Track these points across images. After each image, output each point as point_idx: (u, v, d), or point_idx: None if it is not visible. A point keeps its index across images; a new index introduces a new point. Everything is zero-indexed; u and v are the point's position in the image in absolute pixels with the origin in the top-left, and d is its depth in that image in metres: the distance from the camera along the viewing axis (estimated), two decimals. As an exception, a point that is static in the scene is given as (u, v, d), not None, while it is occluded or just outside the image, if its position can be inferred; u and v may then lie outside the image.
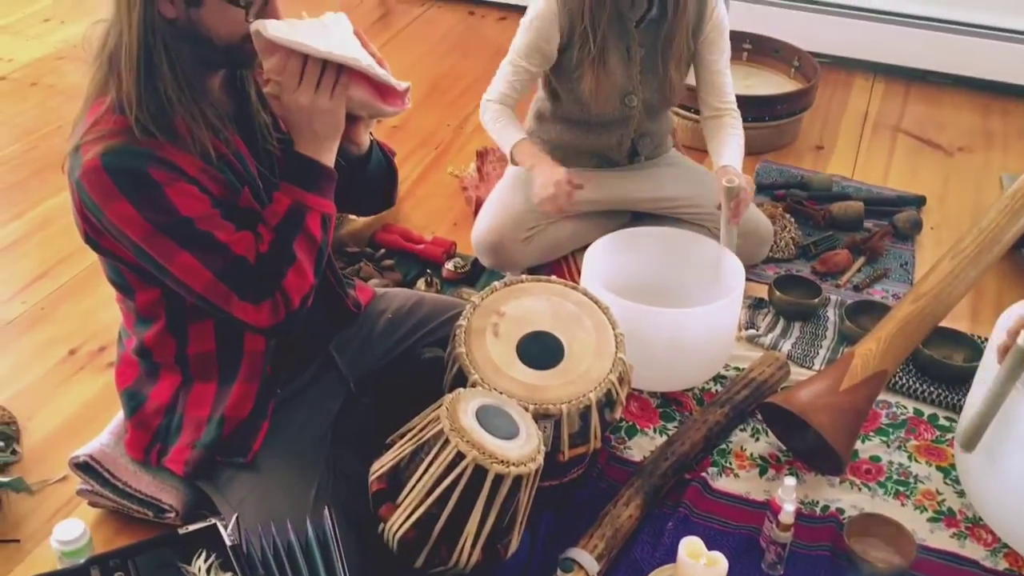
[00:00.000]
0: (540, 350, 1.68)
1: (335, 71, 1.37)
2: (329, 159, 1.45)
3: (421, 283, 2.26)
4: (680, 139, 2.75)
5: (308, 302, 1.47)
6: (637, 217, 2.35)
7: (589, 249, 2.02)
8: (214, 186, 1.42)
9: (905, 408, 1.98)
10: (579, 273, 2.22)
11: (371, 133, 1.60)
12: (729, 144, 2.16)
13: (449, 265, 2.33)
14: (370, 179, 1.62)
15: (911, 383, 2.01)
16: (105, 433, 1.69)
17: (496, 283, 1.78)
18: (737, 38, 3.12)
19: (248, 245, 1.42)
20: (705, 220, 2.26)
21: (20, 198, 2.60)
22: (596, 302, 1.76)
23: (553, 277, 1.81)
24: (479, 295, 1.74)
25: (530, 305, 1.74)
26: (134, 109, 1.35)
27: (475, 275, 2.32)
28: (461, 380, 1.64)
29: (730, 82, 2.22)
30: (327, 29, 1.38)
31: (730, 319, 1.97)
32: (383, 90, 1.43)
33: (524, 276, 1.81)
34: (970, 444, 1.63)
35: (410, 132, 3.00)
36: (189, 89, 1.37)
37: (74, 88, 2.91)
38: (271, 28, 1.31)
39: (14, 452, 1.78)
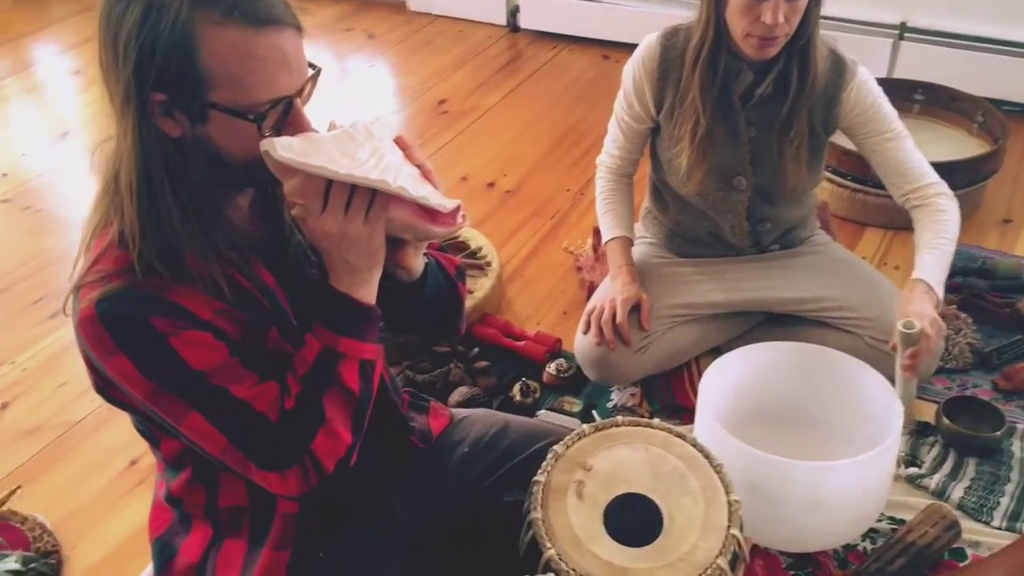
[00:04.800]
0: (633, 519, 1.36)
1: (368, 192, 1.11)
2: (367, 294, 1.19)
3: (517, 390, 1.98)
4: (832, 213, 2.36)
5: (349, 462, 1.22)
6: (772, 317, 1.98)
7: (706, 375, 1.68)
8: (234, 328, 1.18)
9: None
10: (702, 383, 1.89)
11: (427, 254, 1.33)
12: (925, 246, 1.75)
13: (551, 367, 2.04)
14: (426, 307, 1.35)
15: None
16: (134, 587, 1.50)
17: (585, 427, 1.47)
18: (906, 88, 2.70)
19: (271, 400, 1.18)
20: (856, 327, 1.87)
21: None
22: (707, 457, 1.43)
23: (655, 421, 1.48)
24: (562, 444, 1.45)
25: (624, 458, 1.43)
26: (137, 243, 1.13)
27: (580, 380, 2.02)
28: (535, 550, 1.35)
29: (911, 153, 1.81)
30: (355, 141, 1.12)
31: (885, 470, 1.58)
32: (430, 209, 1.16)
33: (619, 418, 1.50)
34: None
35: (524, 198, 2.73)
36: (198, 218, 1.14)
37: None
38: (280, 148, 1.06)
39: (52, 590, 1.62)
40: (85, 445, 1.96)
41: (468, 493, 1.53)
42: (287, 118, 1.12)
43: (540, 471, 1.42)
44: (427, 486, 1.52)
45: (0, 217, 2.78)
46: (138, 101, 1.07)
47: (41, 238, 2.66)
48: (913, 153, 1.80)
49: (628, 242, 1.95)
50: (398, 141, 1.18)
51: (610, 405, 1.99)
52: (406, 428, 1.49)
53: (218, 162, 1.13)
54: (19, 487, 1.75)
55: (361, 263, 1.16)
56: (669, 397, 1.98)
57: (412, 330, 1.47)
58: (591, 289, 2.23)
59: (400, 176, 1.11)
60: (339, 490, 1.28)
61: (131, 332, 1.13)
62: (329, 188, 1.10)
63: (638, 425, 1.48)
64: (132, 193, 1.12)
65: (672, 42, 1.78)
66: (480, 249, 2.37)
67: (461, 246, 2.42)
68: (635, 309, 1.88)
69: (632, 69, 1.84)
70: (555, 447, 1.45)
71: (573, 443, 1.45)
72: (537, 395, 1.99)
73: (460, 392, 1.94)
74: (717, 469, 1.41)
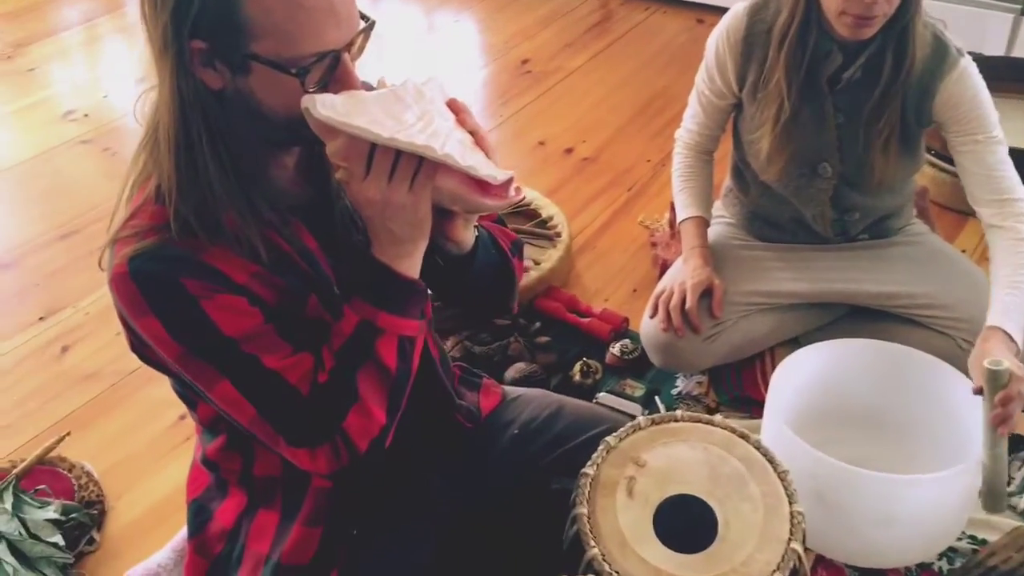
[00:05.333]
0: (685, 522, 1.27)
1: (414, 158, 1.02)
2: (410, 267, 1.11)
3: (577, 370, 1.89)
4: (932, 199, 2.19)
5: (383, 443, 1.15)
6: (857, 310, 1.84)
7: (777, 371, 1.56)
8: (270, 293, 1.12)
9: None
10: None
11: (478, 227, 1.24)
12: (1003, 283, 1.53)
13: (615, 348, 1.94)
14: (475, 283, 1.27)
15: None
16: (167, 549, 1.47)
17: (640, 419, 1.38)
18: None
19: (304, 372, 1.12)
20: (949, 328, 1.72)
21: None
22: (771, 461, 1.32)
23: (717, 418, 1.38)
24: (615, 435, 1.35)
25: (681, 456, 1.33)
26: (174, 199, 1.07)
27: (644, 363, 1.91)
28: (578, 547, 1.27)
29: (1001, 163, 1.60)
30: (402, 102, 1.03)
31: (969, 487, 1.45)
32: (480, 179, 1.07)
33: (679, 412, 1.40)
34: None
35: (602, 166, 2.62)
36: (237, 176, 1.07)
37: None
38: (321, 106, 0.98)
39: (91, 541, 1.60)
40: (138, 395, 1.94)
41: (514, 477, 1.45)
42: (334, 74, 1.04)
43: (590, 463, 1.33)
44: (471, 468, 1.45)
45: (79, 158, 2.79)
46: (176, 48, 1.00)
47: (116, 181, 2.63)
48: (1004, 163, 1.60)
49: (703, 223, 1.83)
50: (451, 104, 1.09)
51: (675, 392, 1.88)
52: (452, 406, 1.42)
53: (260, 118, 1.06)
54: (68, 434, 1.73)
55: (404, 233, 1.08)
56: (739, 388, 1.86)
57: (461, 305, 1.39)
58: (664, 267, 2.12)
59: (448, 142, 1.02)
60: (376, 467, 1.21)
61: (162, 292, 1.07)
62: (373, 152, 1.02)
63: (698, 421, 1.38)
64: (169, 146, 1.06)
65: (760, 15, 1.64)
66: (551, 219, 2.27)
67: (531, 214, 2.33)
68: (706, 294, 1.76)
69: (716, 40, 1.71)
70: (607, 438, 1.36)
71: (627, 435, 1.36)
72: (598, 376, 1.89)
73: (517, 368, 1.86)
74: (781, 476, 1.30)
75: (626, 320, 2.02)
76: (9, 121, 3.00)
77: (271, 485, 1.31)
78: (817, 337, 1.84)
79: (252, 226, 1.09)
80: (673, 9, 3.49)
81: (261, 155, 1.12)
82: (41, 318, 2.12)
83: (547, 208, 2.30)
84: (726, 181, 1.96)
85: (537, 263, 2.11)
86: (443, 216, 1.14)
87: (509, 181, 1.07)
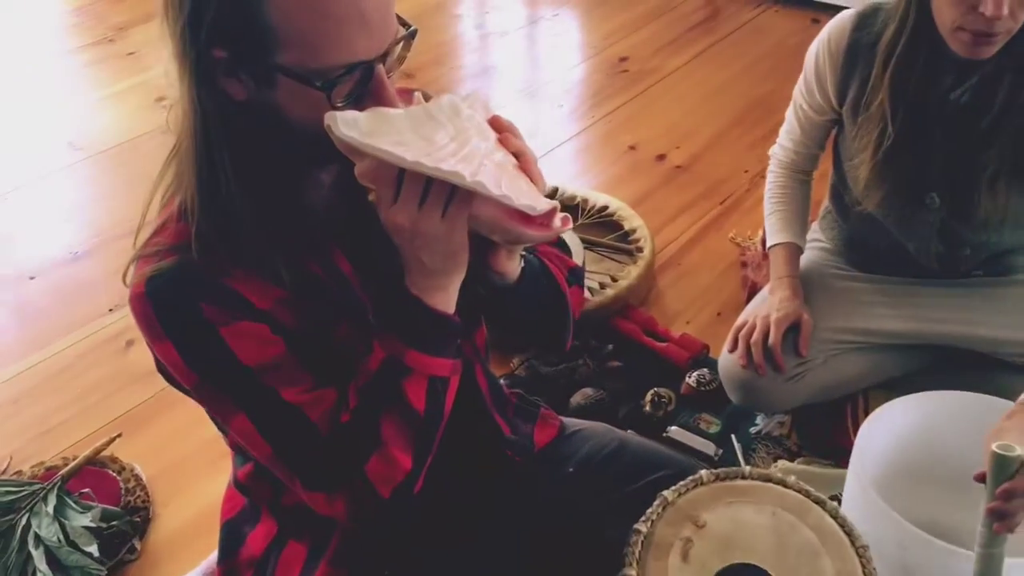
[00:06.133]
0: (745, 597, 1.14)
1: (447, 183, 0.92)
2: (443, 300, 1.01)
3: (648, 400, 1.76)
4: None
5: (410, 490, 1.05)
6: (963, 354, 1.64)
7: (866, 423, 1.39)
8: (296, 321, 1.03)
9: None
10: (866, 422, 1.60)
11: (529, 253, 1.13)
12: None
13: (691, 378, 1.80)
14: (522, 315, 1.15)
15: None
16: (199, 570, 1.43)
17: (703, 473, 1.24)
18: None
19: (326, 409, 1.03)
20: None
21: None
22: (850, 534, 1.16)
23: (791, 479, 1.23)
24: (673, 490, 1.22)
25: (745, 519, 1.19)
26: (195, 217, 1.00)
27: (722, 396, 1.77)
28: (625, 612, 1.15)
29: None
30: (434, 121, 0.92)
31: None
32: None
33: (747, 469, 1.25)
34: None
35: (695, 176, 2.46)
36: (261, 193, 0.99)
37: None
38: (343, 124, 0.88)
39: (132, 550, 1.56)
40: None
41: (565, 521, 1.34)
42: (367, 87, 0.94)
43: (644, 518, 1.20)
44: (519, 507, 1.34)
45: (166, 147, 2.78)
46: (194, 55, 0.92)
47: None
48: None
49: (795, 250, 1.67)
50: (493, 122, 0.97)
51: (753, 431, 1.73)
52: (501, 441, 1.31)
53: (289, 132, 0.97)
54: (119, 435, 1.71)
55: (437, 264, 0.98)
56: (824, 433, 1.70)
57: (509, 337, 1.28)
58: (752, 290, 1.97)
59: (484, 167, 0.90)
60: (408, 511, 1.12)
61: (178, 317, 1.00)
62: (402, 176, 0.92)
63: (769, 481, 1.23)
64: (192, 160, 0.98)
65: (867, 25, 1.46)
66: (634, 231, 2.14)
67: (613, 225, 2.20)
68: (793, 329, 1.61)
69: (816, 49, 1.54)
70: (665, 492, 1.23)
71: (687, 491, 1.22)
72: (671, 408, 1.76)
73: (583, 394, 1.74)
74: (860, 551, 1.15)
75: (706, 347, 1.88)
76: (104, 105, 3.02)
77: (300, 517, 1.22)
78: (918, 382, 1.66)
79: (277, 248, 1.00)
80: (786, 8, 3.29)
81: (291, 171, 1.03)
82: (111, 310, 2.11)
83: (630, 220, 2.17)
84: (825, 201, 1.80)
85: (614, 280, 1.99)
86: (484, 244, 1.03)
87: (552, 212, 0.95)
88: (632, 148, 2.60)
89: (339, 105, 0.92)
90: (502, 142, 0.97)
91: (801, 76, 1.60)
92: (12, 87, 3.17)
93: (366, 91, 0.94)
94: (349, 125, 0.88)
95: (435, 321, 1.01)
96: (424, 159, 0.87)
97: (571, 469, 1.37)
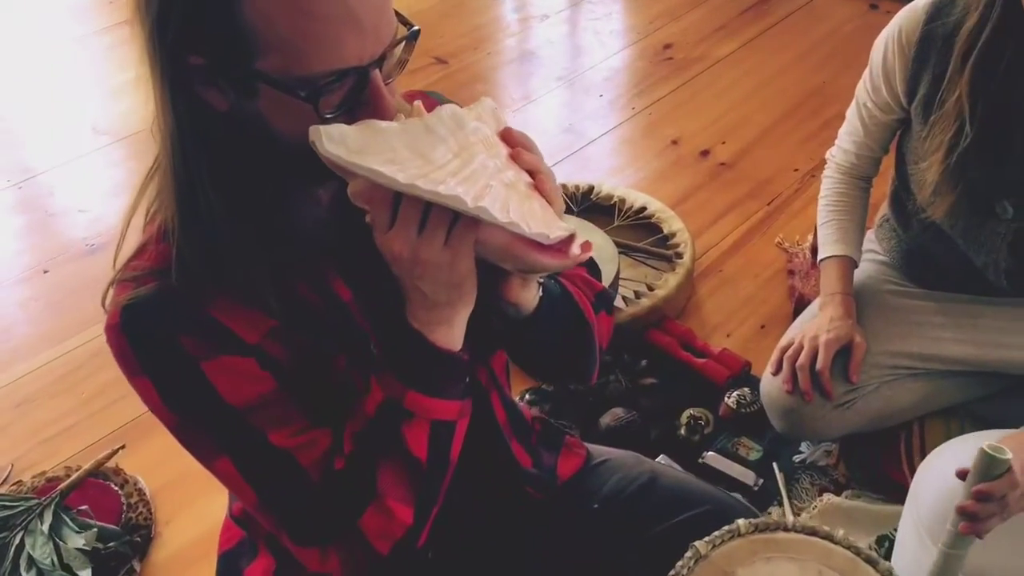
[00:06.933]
0: (783, 668, 1.02)
1: (449, 208, 0.80)
2: (447, 336, 0.89)
3: (683, 422, 1.64)
4: None
5: (412, 545, 0.95)
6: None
7: (923, 466, 1.26)
8: (288, 354, 0.92)
9: None
10: (922, 454, 1.47)
11: (549, 280, 1.01)
12: None
13: (731, 398, 1.67)
14: (540, 349, 1.04)
15: None
16: (192, 602, 1.32)
17: (740, 522, 1.12)
18: None
19: (319, 455, 0.92)
20: None
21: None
22: (902, 598, 1.04)
23: (839, 534, 1.10)
24: (707, 541, 1.10)
25: (782, 575, 1.07)
26: (176, 240, 0.89)
27: (764, 419, 1.63)
28: (649, 676, 1.04)
29: None
30: (433, 135, 0.79)
31: None
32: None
33: (789, 520, 1.13)
34: None
35: (741, 174, 2.32)
36: (249, 214, 0.88)
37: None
38: (328, 140, 0.76)
39: (131, 572, 1.48)
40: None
41: (588, 563, 1.23)
42: (361, 95, 0.82)
43: (673, 572, 1.09)
44: (538, 548, 1.23)
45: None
46: (166, 61, 0.81)
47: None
48: None
49: (850, 264, 1.53)
50: (504, 135, 0.85)
51: (797, 460, 1.60)
52: (520, 475, 1.20)
53: (275, 147, 0.86)
54: (122, 447, 1.63)
55: (440, 296, 0.86)
56: (875, 464, 1.56)
57: (526, 372, 1.17)
58: (800, 302, 1.83)
59: (490, 189, 0.78)
60: (416, 558, 1.02)
61: (155, 351, 0.89)
62: (399, 197, 0.81)
63: (814, 534, 1.11)
64: (169, 176, 0.88)
65: (943, 15, 1.31)
66: (673, 235, 2.01)
67: (652, 227, 2.06)
68: (844, 352, 1.47)
69: (884, 40, 1.40)
70: (697, 543, 1.11)
71: (721, 543, 1.10)
72: (708, 431, 1.64)
73: (613, 414, 1.62)
74: (913, 620, 1.03)
75: (748, 365, 1.75)
76: (135, 85, 2.94)
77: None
78: (977, 408, 1.53)
79: (264, 273, 0.89)
80: (846, -7, 3.12)
81: (281, 189, 0.92)
82: (124, 307, 2.04)
83: (670, 222, 2.03)
84: (883, 209, 1.65)
85: (651, 289, 1.86)
86: (495, 272, 0.92)
87: (569, 239, 0.83)
88: (674, 143, 2.45)
89: (328, 117, 0.81)
90: (514, 158, 0.85)
91: (866, 71, 1.46)
92: (34, 70, 3.11)
93: (360, 101, 0.82)
94: (335, 141, 0.76)
95: (438, 359, 0.89)
96: (419, 181, 0.76)
97: (596, 505, 1.26)
